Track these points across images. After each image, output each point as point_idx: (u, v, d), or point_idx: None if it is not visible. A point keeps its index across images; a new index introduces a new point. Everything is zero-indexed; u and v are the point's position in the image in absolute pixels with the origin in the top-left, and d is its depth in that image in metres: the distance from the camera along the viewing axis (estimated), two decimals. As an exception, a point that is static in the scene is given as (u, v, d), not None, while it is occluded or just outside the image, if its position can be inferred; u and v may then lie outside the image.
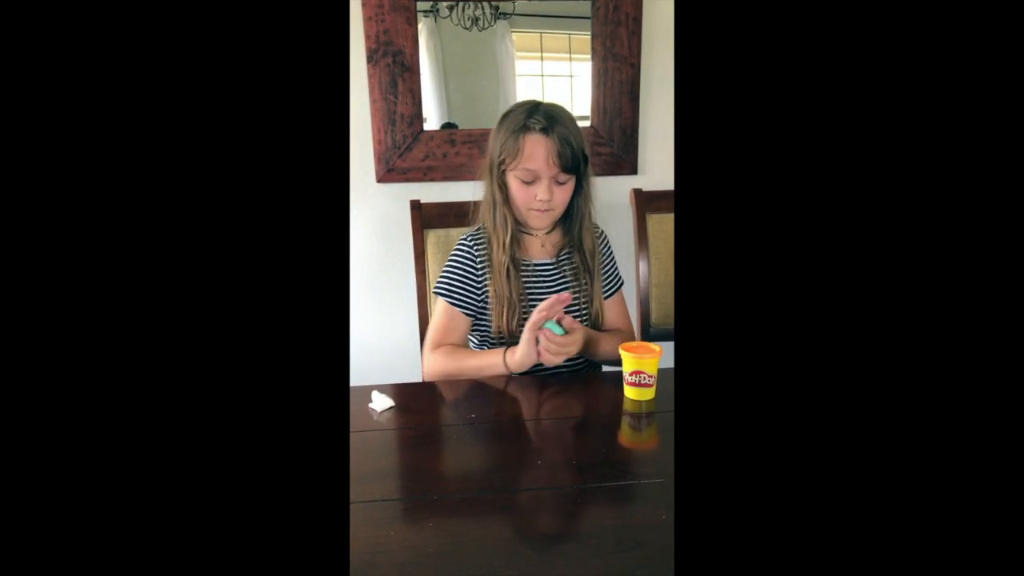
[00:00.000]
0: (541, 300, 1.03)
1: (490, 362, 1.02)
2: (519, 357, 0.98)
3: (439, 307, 1.11)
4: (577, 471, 0.73)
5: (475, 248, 1.10)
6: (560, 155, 1.01)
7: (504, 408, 0.92)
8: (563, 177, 1.04)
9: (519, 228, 1.10)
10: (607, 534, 0.61)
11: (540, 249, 1.13)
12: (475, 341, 1.16)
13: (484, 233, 1.11)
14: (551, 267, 1.12)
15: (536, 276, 1.11)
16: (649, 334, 1.40)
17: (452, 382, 1.03)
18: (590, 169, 1.09)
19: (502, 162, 1.05)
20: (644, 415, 0.89)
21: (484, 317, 1.11)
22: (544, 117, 1.02)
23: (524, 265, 1.10)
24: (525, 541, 0.60)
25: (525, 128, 1.02)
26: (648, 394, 0.91)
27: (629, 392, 0.92)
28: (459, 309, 1.09)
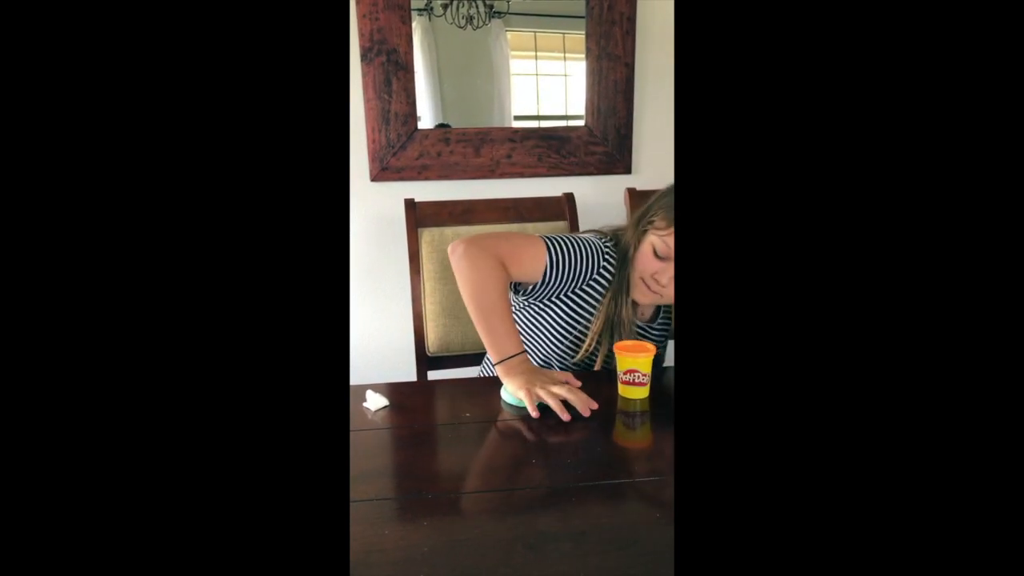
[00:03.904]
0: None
1: (499, 341, 0.92)
2: (511, 383, 0.90)
3: (531, 240, 1.00)
4: (572, 469, 0.73)
5: (606, 256, 1.02)
6: None
7: (498, 407, 0.91)
8: None
9: None
10: (602, 532, 0.61)
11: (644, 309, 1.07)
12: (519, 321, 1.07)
13: (619, 251, 1.04)
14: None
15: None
16: (643, 333, 1.40)
17: (446, 383, 1.02)
18: None
19: (651, 221, 0.98)
20: (638, 413, 0.89)
21: (545, 309, 1.04)
22: None
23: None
24: (520, 540, 0.60)
25: None
26: (642, 392, 0.91)
27: (623, 391, 0.92)
28: (548, 264, 0.98)
